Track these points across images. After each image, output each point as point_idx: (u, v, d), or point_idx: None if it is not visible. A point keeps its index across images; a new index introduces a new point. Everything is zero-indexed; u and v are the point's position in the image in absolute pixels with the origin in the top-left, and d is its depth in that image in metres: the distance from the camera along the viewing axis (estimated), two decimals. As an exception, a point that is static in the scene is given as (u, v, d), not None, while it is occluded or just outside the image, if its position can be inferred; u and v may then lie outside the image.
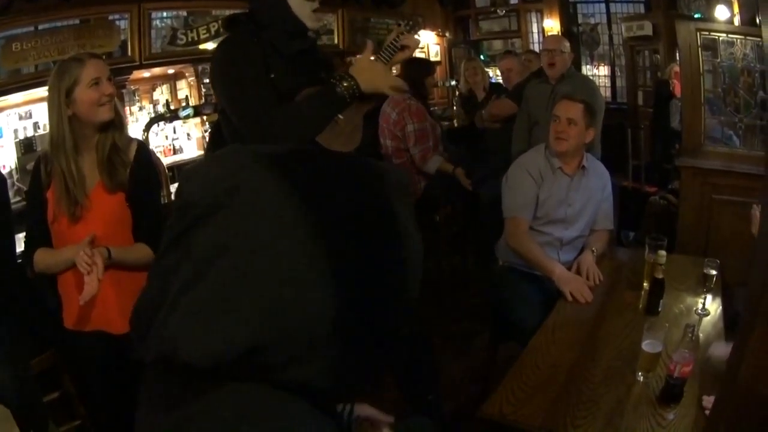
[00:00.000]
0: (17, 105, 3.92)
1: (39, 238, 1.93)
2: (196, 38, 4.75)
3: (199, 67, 5.01)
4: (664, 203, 4.13)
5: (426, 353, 2.38)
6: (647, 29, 6.56)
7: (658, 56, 6.60)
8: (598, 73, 7.84)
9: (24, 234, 2.00)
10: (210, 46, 4.74)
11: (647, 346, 1.72)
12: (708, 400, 1.55)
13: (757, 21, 3.50)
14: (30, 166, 2.06)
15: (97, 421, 2.22)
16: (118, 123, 1.94)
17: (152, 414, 0.60)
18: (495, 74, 6.53)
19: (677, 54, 4.44)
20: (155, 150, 4.63)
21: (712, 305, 2.17)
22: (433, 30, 7.86)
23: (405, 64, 4.08)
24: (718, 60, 3.72)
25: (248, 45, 1.81)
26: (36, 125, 4.01)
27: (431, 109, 5.04)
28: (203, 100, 5.01)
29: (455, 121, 5.90)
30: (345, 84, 1.79)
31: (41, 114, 3.91)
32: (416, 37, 2.00)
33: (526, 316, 2.40)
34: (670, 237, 2.53)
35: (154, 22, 4.45)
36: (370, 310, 0.58)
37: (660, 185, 4.95)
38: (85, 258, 1.73)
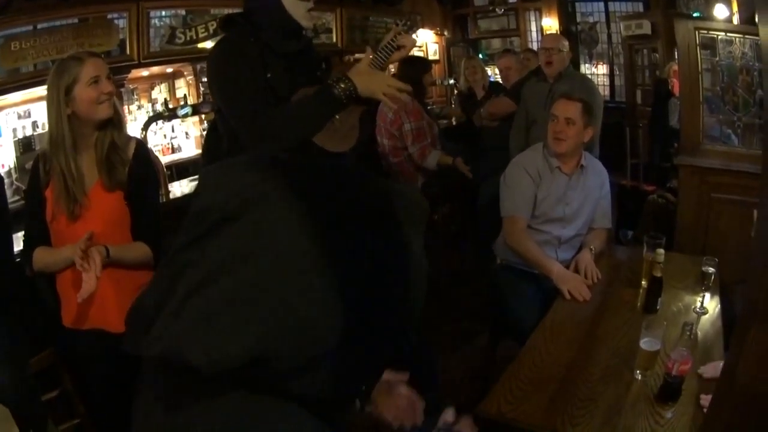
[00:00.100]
0: (16, 104, 3.92)
1: (38, 237, 1.93)
2: (194, 37, 4.75)
3: (198, 66, 5.02)
4: (663, 202, 4.13)
5: (425, 352, 2.38)
6: (646, 28, 6.57)
7: (657, 55, 6.61)
8: (597, 71, 7.85)
9: (23, 233, 2.00)
10: (209, 44, 4.74)
11: (645, 344, 1.72)
12: (706, 399, 1.55)
13: (756, 20, 3.50)
14: (29, 165, 2.06)
15: (96, 419, 2.22)
16: (116, 121, 1.94)
17: (151, 412, 0.60)
18: (494, 73, 6.53)
19: (676, 53, 4.44)
20: (154, 149, 4.64)
21: (711, 304, 2.17)
22: (431, 28, 7.86)
23: (402, 62, 4.09)
24: (717, 59, 3.72)
25: (245, 45, 1.81)
26: (35, 124, 4.01)
27: (429, 107, 5.04)
28: (201, 99, 5.01)
29: (453, 119, 5.90)
30: (342, 85, 1.80)
31: (40, 113, 3.91)
32: (413, 36, 2.01)
33: (524, 315, 2.41)
34: (668, 235, 2.54)
35: (152, 21, 4.45)
36: (374, 328, 0.59)
37: (658, 184, 4.95)
38: (79, 253, 1.73)
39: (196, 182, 0.67)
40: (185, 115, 4.14)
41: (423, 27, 7.45)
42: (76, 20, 3.96)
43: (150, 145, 4.24)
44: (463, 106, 5.29)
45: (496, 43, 8.75)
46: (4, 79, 3.65)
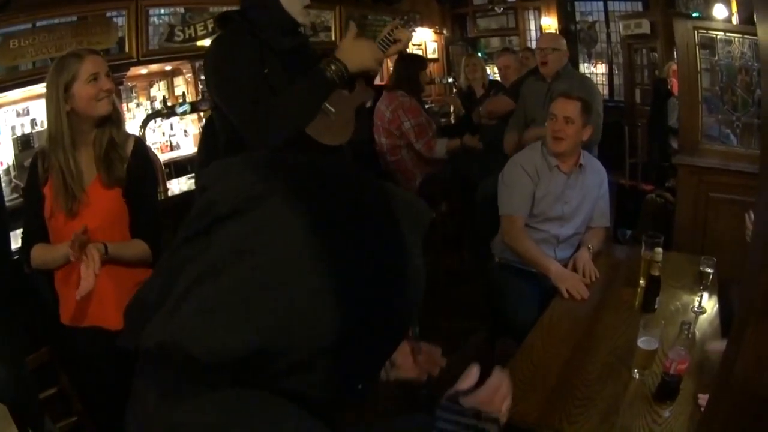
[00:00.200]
0: (15, 102, 3.91)
1: (36, 234, 1.93)
2: (193, 35, 4.75)
3: (197, 64, 5.01)
4: (661, 201, 4.13)
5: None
6: (645, 27, 6.58)
7: (656, 54, 6.62)
8: (596, 71, 7.85)
9: (21, 230, 1.99)
10: (207, 42, 4.73)
11: (643, 343, 1.73)
12: (704, 398, 1.55)
13: (755, 19, 3.50)
14: (27, 162, 2.06)
15: (94, 416, 2.22)
16: (115, 119, 1.94)
17: (146, 408, 0.60)
18: (493, 72, 6.54)
19: (675, 52, 4.44)
20: (152, 146, 4.64)
21: (709, 303, 2.18)
22: (430, 27, 7.85)
23: (398, 60, 4.10)
24: (716, 58, 3.72)
25: (242, 42, 1.81)
26: (33, 122, 4.01)
27: (427, 106, 5.04)
28: (200, 97, 5.02)
29: (452, 109, 5.88)
30: (333, 67, 1.82)
31: (39, 111, 3.91)
32: (410, 31, 2.02)
33: (522, 314, 2.41)
34: (666, 235, 2.54)
35: (151, 19, 4.44)
36: (373, 328, 0.59)
37: (657, 183, 4.96)
38: (74, 245, 1.73)
39: (198, 180, 0.67)
40: (184, 113, 4.14)
41: (422, 25, 7.45)
42: (74, 18, 3.95)
43: (148, 142, 4.24)
44: (462, 103, 5.29)
45: (495, 42, 8.75)
46: (3, 77, 3.64)
